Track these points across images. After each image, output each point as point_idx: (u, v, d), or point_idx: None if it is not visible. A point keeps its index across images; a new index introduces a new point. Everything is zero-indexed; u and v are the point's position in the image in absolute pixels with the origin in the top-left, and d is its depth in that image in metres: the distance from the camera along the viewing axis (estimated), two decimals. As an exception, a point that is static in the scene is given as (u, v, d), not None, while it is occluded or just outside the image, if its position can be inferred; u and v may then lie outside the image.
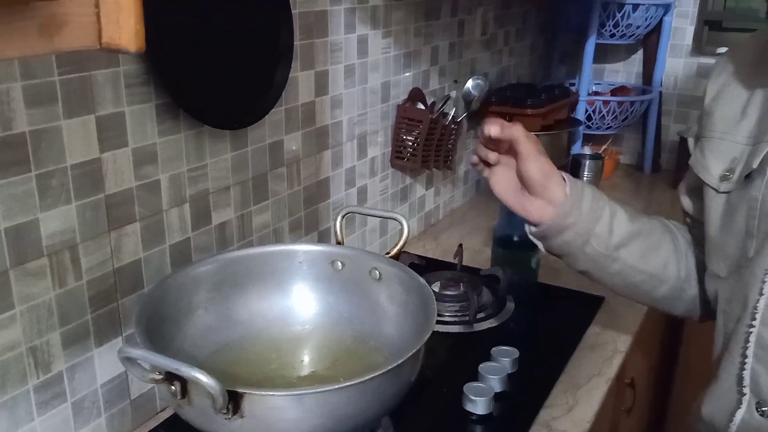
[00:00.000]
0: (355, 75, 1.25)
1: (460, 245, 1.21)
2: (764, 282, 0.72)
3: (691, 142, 0.88)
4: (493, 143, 0.84)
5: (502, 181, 0.85)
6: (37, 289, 0.78)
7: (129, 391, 0.92)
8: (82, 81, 0.78)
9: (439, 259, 1.32)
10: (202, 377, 0.55)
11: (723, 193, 0.79)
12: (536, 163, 0.82)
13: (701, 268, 0.89)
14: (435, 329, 1.01)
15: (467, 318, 1.05)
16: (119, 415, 0.91)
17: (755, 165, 0.74)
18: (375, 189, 1.40)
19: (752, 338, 0.74)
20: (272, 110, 1.04)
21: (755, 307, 0.73)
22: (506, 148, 0.84)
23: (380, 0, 1.27)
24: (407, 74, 1.42)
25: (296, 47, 1.06)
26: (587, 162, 1.80)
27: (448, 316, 1.06)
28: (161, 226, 0.93)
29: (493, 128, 0.81)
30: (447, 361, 0.98)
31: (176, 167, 0.93)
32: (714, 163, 0.80)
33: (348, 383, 0.62)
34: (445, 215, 1.71)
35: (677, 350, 1.77)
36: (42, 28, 0.40)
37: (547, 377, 0.97)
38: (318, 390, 0.62)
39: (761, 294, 0.72)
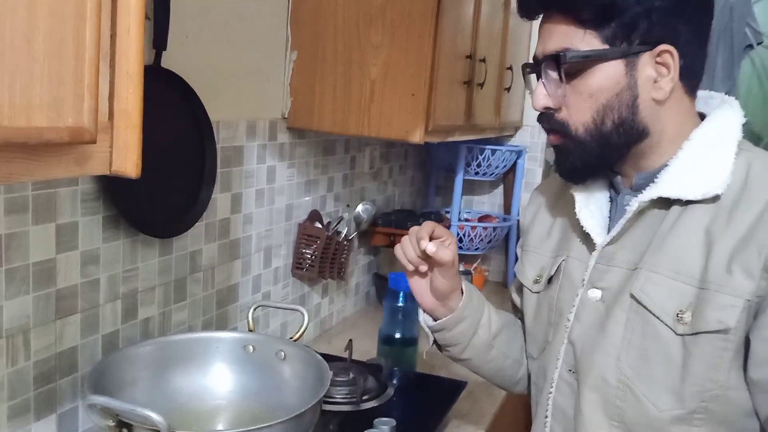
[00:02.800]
0: (264, 197, 1.50)
1: (350, 340, 1.43)
2: (558, 359, 0.94)
3: (519, 251, 1.13)
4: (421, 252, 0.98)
5: (422, 285, 1.03)
6: (-7, 366, 0.92)
7: (56, 465, 1.04)
8: (48, 196, 0.98)
9: (333, 354, 1.53)
10: (154, 415, 0.73)
11: (535, 293, 1.02)
12: (450, 280, 1.00)
13: None
14: (328, 408, 1.21)
15: (355, 399, 1.25)
16: (46, 488, 1.02)
17: (553, 272, 0.98)
18: (277, 295, 1.61)
19: (550, 402, 0.95)
20: (195, 224, 1.26)
21: (553, 379, 0.95)
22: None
23: (286, 138, 1.55)
24: (307, 198, 1.69)
25: (218, 174, 1.31)
26: (459, 277, 2.10)
27: (339, 397, 1.26)
28: (97, 318, 1.09)
29: (430, 246, 0.95)
30: (338, 430, 1.17)
31: (114, 268, 1.12)
32: (529, 270, 1.04)
33: (259, 426, 0.82)
34: (338, 322, 1.93)
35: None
36: (77, 159, 0.62)
37: (420, 444, 1.18)
38: (235, 431, 0.81)
39: (556, 368, 0.94)
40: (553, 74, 0.87)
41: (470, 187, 2.45)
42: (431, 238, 0.98)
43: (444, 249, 0.97)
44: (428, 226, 0.98)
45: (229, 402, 1.07)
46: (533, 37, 2.26)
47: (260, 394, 1.07)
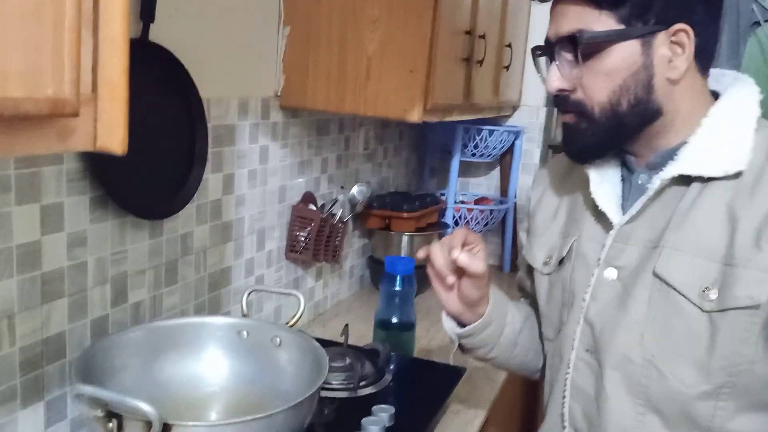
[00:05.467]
0: (257, 178, 1.46)
1: (346, 325, 1.39)
2: (574, 339, 0.95)
3: (523, 236, 1.13)
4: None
5: (449, 292, 1.00)
6: (-24, 353, 0.88)
7: (44, 454, 1.00)
8: (32, 175, 0.94)
9: (328, 339, 1.50)
10: (144, 405, 0.70)
11: (546, 274, 1.03)
12: (481, 289, 0.98)
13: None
14: (325, 395, 1.18)
15: (352, 385, 1.23)
16: (33, 478, 0.99)
17: (564, 253, 0.99)
18: (271, 278, 1.57)
19: (568, 382, 0.96)
20: (186, 205, 1.22)
21: (569, 359, 0.96)
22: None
23: (279, 117, 1.51)
24: (301, 180, 1.64)
25: (209, 153, 1.26)
26: (456, 260, 2.07)
27: (336, 383, 1.23)
28: (85, 302, 1.05)
29: (462, 257, 0.92)
30: (335, 418, 1.14)
31: (102, 251, 1.08)
32: (538, 252, 1.05)
33: (256, 416, 0.78)
34: (333, 305, 1.89)
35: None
36: (59, 134, 0.58)
37: (419, 431, 1.15)
38: (232, 421, 0.78)
39: (573, 348, 0.96)
40: (568, 56, 0.86)
41: (466, 169, 2.41)
42: (462, 247, 0.95)
43: (477, 261, 0.95)
44: (460, 234, 0.96)
45: (223, 389, 1.04)
46: (533, 16, 2.21)
47: (255, 381, 1.04)
